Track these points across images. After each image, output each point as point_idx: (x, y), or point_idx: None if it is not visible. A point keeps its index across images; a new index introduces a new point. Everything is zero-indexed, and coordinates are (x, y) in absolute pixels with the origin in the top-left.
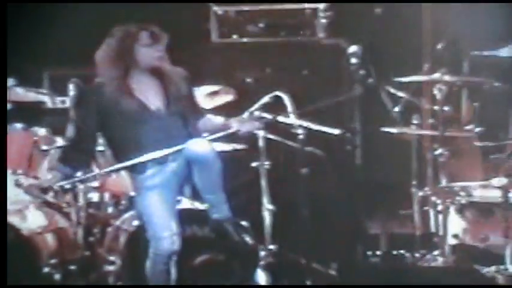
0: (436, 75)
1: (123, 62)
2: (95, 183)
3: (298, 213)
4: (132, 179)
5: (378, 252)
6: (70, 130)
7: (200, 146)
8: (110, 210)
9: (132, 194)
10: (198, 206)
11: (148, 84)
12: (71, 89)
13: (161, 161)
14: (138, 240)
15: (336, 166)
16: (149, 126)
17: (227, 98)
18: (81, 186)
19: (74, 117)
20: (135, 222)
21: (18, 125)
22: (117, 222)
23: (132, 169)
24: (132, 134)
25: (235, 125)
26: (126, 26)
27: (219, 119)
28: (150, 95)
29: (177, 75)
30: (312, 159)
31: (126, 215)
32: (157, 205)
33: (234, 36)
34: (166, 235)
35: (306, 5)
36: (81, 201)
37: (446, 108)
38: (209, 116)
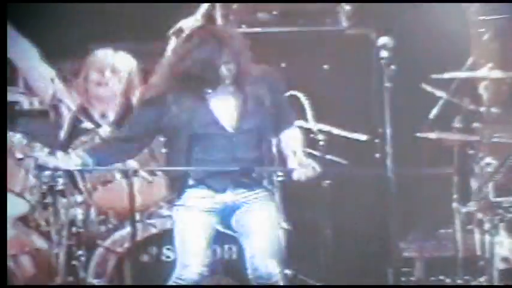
0: (482, 71)
1: (201, 79)
2: (79, 198)
3: (318, 232)
4: (177, 191)
5: (413, 278)
6: (127, 126)
7: (265, 266)
8: (97, 229)
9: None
10: None
11: (227, 95)
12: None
13: (218, 189)
14: (130, 264)
15: (362, 178)
16: (213, 144)
17: None
18: (63, 201)
19: (134, 116)
20: (126, 244)
21: None
22: (106, 244)
23: (178, 182)
24: (193, 151)
25: (295, 168)
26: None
27: (288, 149)
28: (227, 109)
29: (263, 84)
30: (334, 169)
31: (116, 235)
32: (194, 228)
33: (243, 26)
34: (194, 263)
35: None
36: (63, 218)
37: (494, 109)
38: (290, 134)
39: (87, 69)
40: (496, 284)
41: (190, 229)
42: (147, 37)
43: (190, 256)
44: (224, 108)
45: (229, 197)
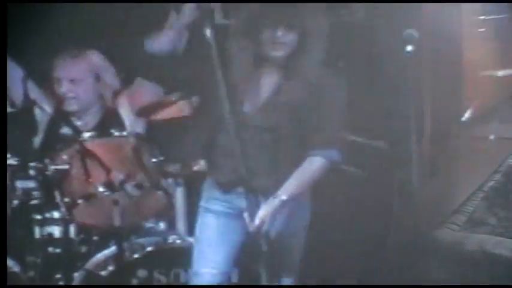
0: None
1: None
2: (56, 214)
3: (330, 251)
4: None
5: None
6: None
7: (279, 281)
8: (77, 249)
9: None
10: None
11: (264, 79)
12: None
13: (225, 189)
14: None
15: (381, 190)
16: (223, 129)
17: None
18: (38, 217)
19: None
20: (111, 266)
21: None
22: (87, 266)
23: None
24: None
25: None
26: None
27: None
28: (254, 93)
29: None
30: (348, 180)
31: (100, 256)
32: (207, 232)
33: None
34: (205, 271)
35: None
36: (37, 236)
37: None
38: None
39: (57, 72)
40: None
41: (202, 229)
42: (128, 36)
43: (201, 262)
44: (253, 91)
45: (240, 200)
